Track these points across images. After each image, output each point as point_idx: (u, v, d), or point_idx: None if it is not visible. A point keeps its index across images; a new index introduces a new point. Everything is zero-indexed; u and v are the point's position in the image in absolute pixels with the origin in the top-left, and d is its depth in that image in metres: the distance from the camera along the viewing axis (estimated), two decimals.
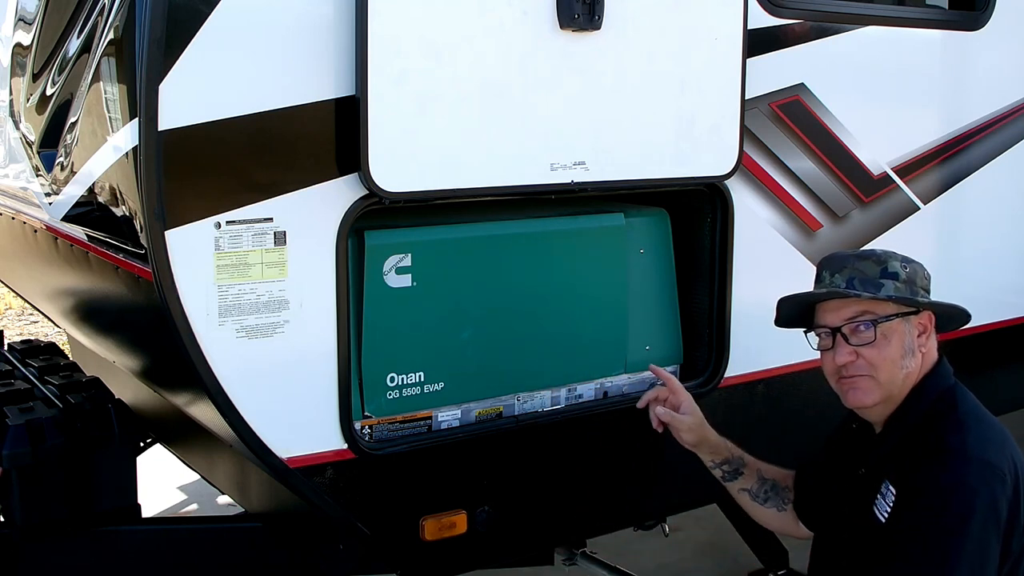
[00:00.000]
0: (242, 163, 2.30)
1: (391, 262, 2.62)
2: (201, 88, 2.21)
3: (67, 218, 2.88)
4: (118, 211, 2.49)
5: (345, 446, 2.54)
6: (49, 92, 2.90)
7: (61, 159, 2.85)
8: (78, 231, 2.85)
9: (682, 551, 4.88)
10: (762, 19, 3.04)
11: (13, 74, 3.34)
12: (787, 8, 3.12)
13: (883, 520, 2.30)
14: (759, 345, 3.22)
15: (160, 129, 2.17)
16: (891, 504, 2.29)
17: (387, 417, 2.68)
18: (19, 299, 6.41)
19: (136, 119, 2.20)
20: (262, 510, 2.97)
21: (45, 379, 3.35)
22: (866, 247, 2.47)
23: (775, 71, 3.11)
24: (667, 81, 2.83)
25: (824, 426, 2.84)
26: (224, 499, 4.77)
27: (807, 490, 2.74)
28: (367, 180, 2.39)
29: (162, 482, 5.19)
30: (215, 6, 2.19)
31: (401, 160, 2.44)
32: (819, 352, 2.47)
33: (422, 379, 2.71)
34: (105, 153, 2.50)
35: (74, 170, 2.75)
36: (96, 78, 2.52)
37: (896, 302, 2.35)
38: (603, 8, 2.64)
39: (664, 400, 2.79)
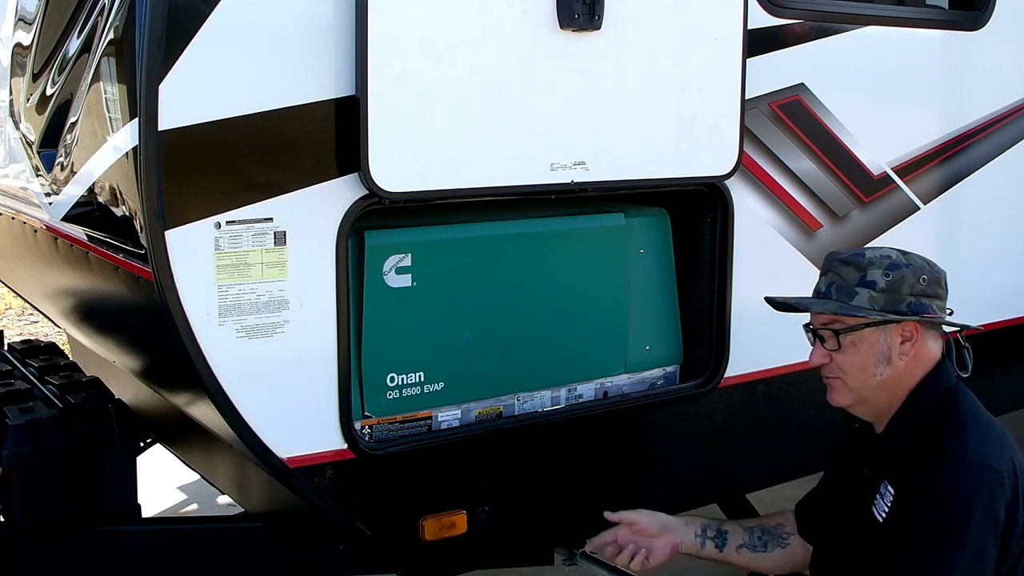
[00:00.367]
0: (242, 163, 2.30)
1: (391, 262, 2.62)
2: (201, 88, 2.21)
3: (67, 218, 2.88)
4: (118, 211, 2.49)
5: (345, 446, 2.54)
6: (49, 92, 2.90)
7: (61, 159, 2.85)
8: (78, 231, 2.85)
9: None
10: (762, 19, 3.04)
11: (13, 74, 3.34)
12: (787, 8, 3.12)
13: (881, 520, 2.31)
14: (759, 345, 3.22)
15: (160, 129, 2.17)
16: (889, 504, 2.29)
17: (387, 417, 2.68)
18: (19, 299, 6.41)
19: (136, 119, 2.20)
20: (262, 510, 2.97)
21: (45, 379, 3.35)
22: (871, 245, 2.46)
23: (775, 71, 3.11)
24: (667, 81, 2.83)
25: (824, 426, 2.84)
26: (224, 499, 4.77)
27: (810, 507, 2.73)
28: (367, 180, 2.39)
29: (162, 482, 5.19)
30: (215, 6, 2.19)
31: (401, 160, 2.44)
32: None
33: (422, 379, 2.71)
34: (105, 153, 2.50)
35: (74, 170, 2.75)
36: (96, 78, 2.52)
37: (844, 315, 2.35)
38: (603, 8, 2.64)
39: (630, 552, 2.71)
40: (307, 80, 2.33)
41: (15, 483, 2.78)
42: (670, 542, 2.68)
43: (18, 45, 3.28)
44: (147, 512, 3.08)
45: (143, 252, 2.31)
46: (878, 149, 3.44)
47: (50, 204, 3.01)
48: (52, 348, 3.85)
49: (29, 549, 2.80)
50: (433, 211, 2.71)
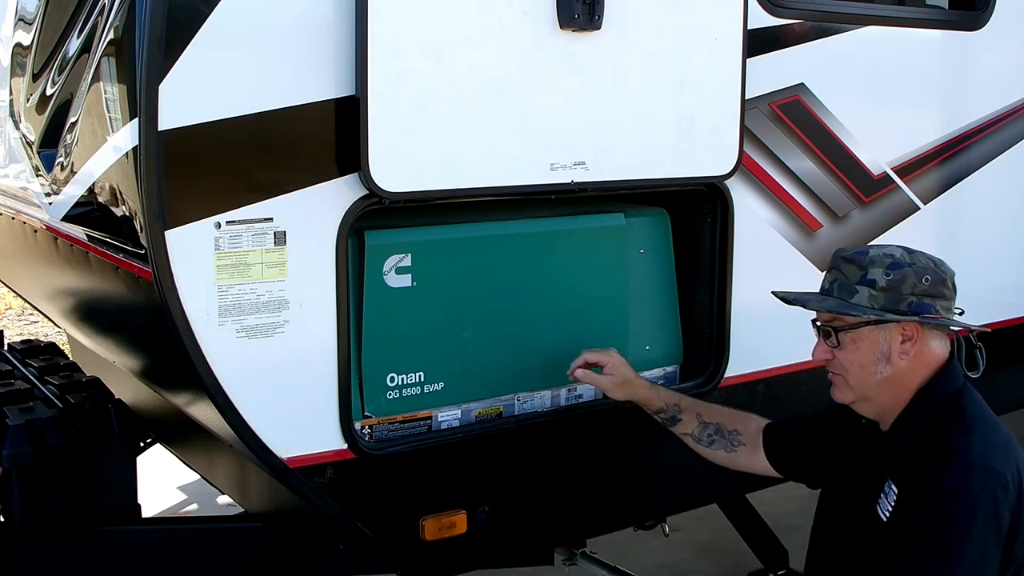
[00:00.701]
0: (242, 163, 2.30)
1: (391, 262, 2.62)
2: (201, 88, 2.21)
3: (67, 218, 2.88)
4: (118, 211, 2.49)
5: (345, 446, 2.54)
6: (49, 92, 2.90)
7: (61, 159, 2.85)
8: (78, 231, 2.85)
9: (682, 551, 4.88)
10: (762, 19, 3.04)
11: (13, 74, 3.34)
12: (787, 8, 3.12)
13: (885, 519, 2.31)
14: (759, 345, 3.22)
15: (160, 129, 2.17)
16: (893, 503, 2.29)
17: (387, 417, 2.68)
18: (19, 299, 6.41)
19: (136, 119, 2.20)
20: (262, 510, 2.97)
21: (45, 379, 3.35)
22: (878, 242, 2.45)
23: (775, 71, 3.11)
24: (667, 81, 2.83)
25: None
26: (224, 499, 4.77)
27: (786, 450, 2.77)
28: (367, 180, 2.39)
29: (162, 482, 5.19)
30: (215, 6, 2.19)
31: (401, 160, 2.44)
32: None
33: (422, 379, 2.71)
34: (105, 153, 2.50)
35: (74, 170, 2.75)
36: (96, 78, 2.52)
37: (842, 314, 2.36)
38: (603, 8, 2.64)
39: (592, 363, 2.84)
40: (307, 80, 2.33)
41: (15, 483, 2.78)
42: (620, 388, 2.84)
43: (18, 45, 3.28)
44: (147, 512, 3.08)
45: (143, 252, 2.31)
46: (878, 149, 3.44)
47: (50, 204, 3.01)
48: (52, 348, 3.85)
49: (29, 549, 2.80)
50: (433, 211, 2.72)
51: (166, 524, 3.60)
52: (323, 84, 2.35)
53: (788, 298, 2.49)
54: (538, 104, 2.62)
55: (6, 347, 3.93)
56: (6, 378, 3.35)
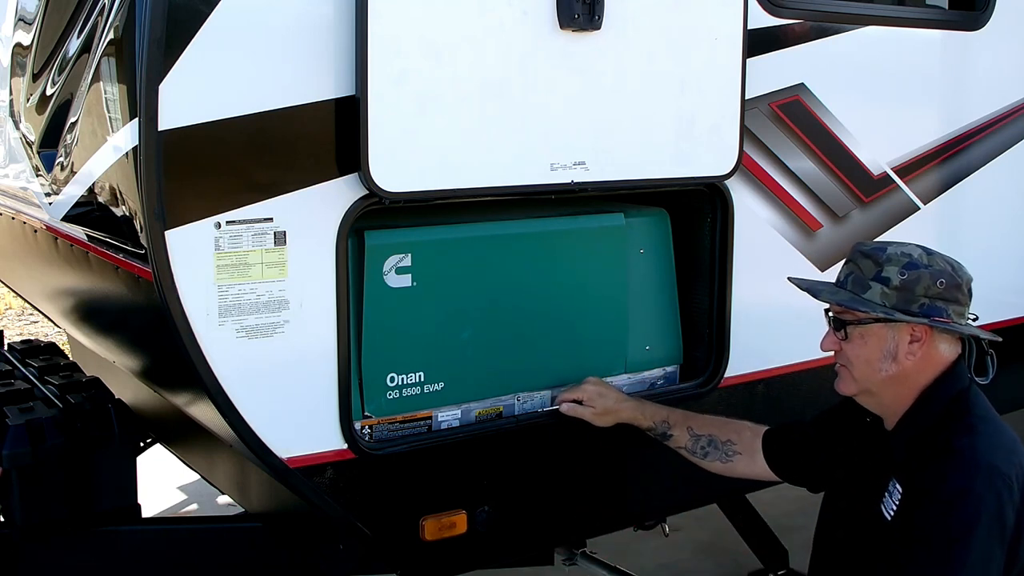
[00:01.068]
0: (242, 163, 2.30)
1: (391, 262, 2.62)
2: (201, 88, 2.21)
3: (67, 218, 2.88)
4: (118, 211, 2.49)
5: (345, 446, 2.54)
6: (49, 92, 2.90)
7: (61, 159, 2.85)
8: (78, 231, 2.85)
9: (682, 551, 4.88)
10: (762, 19, 3.04)
11: (13, 74, 3.34)
12: (787, 8, 3.12)
13: (889, 518, 2.31)
14: (759, 345, 3.22)
15: (160, 129, 2.17)
16: (897, 502, 2.29)
17: (387, 417, 2.68)
18: (19, 299, 6.41)
19: (136, 119, 2.20)
20: (262, 510, 2.97)
21: (45, 379, 3.35)
22: (897, 240, 2.45)
23: (775, 71, 3.11)
24: (667, 81, 2.83)
25: None
26: (224, 499, 4.77)
27: (787, 455, 2.77)
28: (367, 180, 2.39)
29: (162, 482, 5.19)
30: (215, 6, 2.19)
31: (401, 160, 2.44)
32: None
33: (422, 379, 2.71)
34: (105, 153, 2.50)
35: (74, 170, 2.75)
36: (96, 78, 2.52)
37: (852, 308, 2.36)
38: (603, 8, 2.64)
39: (573, 399, 2.86)
40: (307, 80, 2.33)
41: (15, 483, 2.78)
42: (604, 416, 2.85)
43: (18, 45, 3.28)
44: (147, 512, 3.08)
45: (143, 252, 2.31)
46: (878, 149, 3.44)
47: (50, 204, 3.01)
48: (52, 348, 3.85)
49: (29, 549, 2.80)
50: (433, 211, 2.72)
51: (166, 524, 3.60)
52: (323, 84, 2.35)
53: (802, 285, 2.50)
54: (538, 104, 2.62)
55: (6, 347, 3.93)
56: (6, 378, 3.35)
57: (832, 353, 2.47)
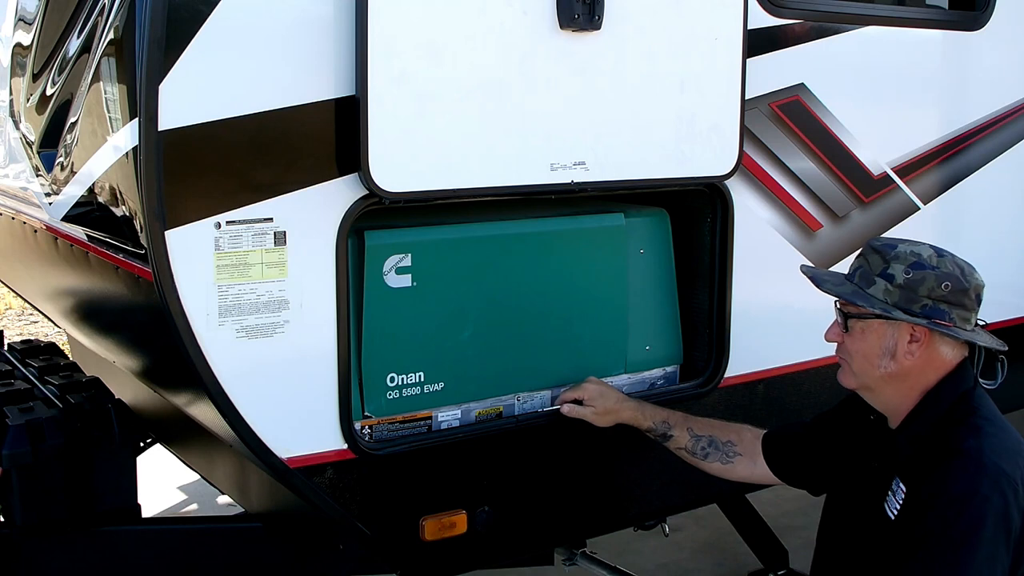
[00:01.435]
0: (242, 163, 2.30)
1: (391, 262, 2.62)
2: (201, 88, 2.21)
3: (67, 218, 2.88)
4: (118, 211, 2.49)
5: (345, 446, 2.54)
6: (49, 92, 2.90)
7: (61, 159, 2.85)
8: (78, 231, 2.85)
9: (682, 551, 4.88)
10: (762, 19, 3.04)
11: (13, 74, 3.34)
12: (787, 8, 3.12)
13: (893, 518, 2.30)
14: (759, 345, 3.22)
15: (160, 129, 2.17)
16: (901, 502, 2.29)
17: (387, 417, 2.68)
18: (19, 299, 6.42)
19: (136, 119, 2.20)
20: (262, 510, 2.97)
21: (45, 379, 3.35)
22: (911, 239, 2.44)
23: (775, 71, 3.11)
24: (667, 81, 2.83)
25: None
26: (224, 499, 4.77)
27: (788, 456, 2.77)
28: (367, 180, 2.39)
29: (162, 482, 5.19)
30: (215, 6, 2.19)
31: (401, 160, 2.44)
32: None
33: (422, 379, 2.71)
34: (105, 153, 2.50)
35: (74, 170, 2.75)
36: (96, 78, 2.52)
37: (853, 302, 2.37)
38: (603, 8, 2.64)
39: (573, 399, 2.87)
40: (307, 80, 2.33)
41: (15, 483, 2.78)
42: (604, 416, 2.85)
43: (18, 45, 3.28)
44: (147, 512, 3.08)
45: (143, 252, 2.31)
46: (878, 149, 3.44)
47: (50, 204, 3.01)
48: (52, 348, 3.85)
49: (29, 549, 2.80)
50: (433, 211, 2.72)
51: (166, 524, 3.60)
52: (323, 84, 2.35)
53: (808, 273, 2.51)
54: (538, 104, 2.62)
55: (6, 347, 3.93)
56: (6, 378, 3.36)
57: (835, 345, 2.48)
